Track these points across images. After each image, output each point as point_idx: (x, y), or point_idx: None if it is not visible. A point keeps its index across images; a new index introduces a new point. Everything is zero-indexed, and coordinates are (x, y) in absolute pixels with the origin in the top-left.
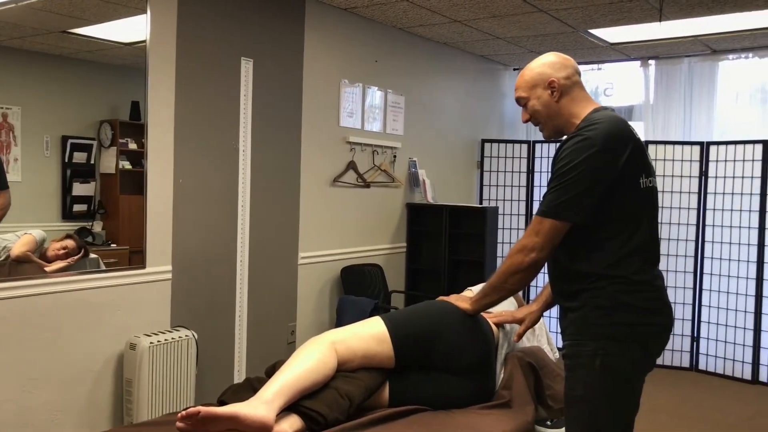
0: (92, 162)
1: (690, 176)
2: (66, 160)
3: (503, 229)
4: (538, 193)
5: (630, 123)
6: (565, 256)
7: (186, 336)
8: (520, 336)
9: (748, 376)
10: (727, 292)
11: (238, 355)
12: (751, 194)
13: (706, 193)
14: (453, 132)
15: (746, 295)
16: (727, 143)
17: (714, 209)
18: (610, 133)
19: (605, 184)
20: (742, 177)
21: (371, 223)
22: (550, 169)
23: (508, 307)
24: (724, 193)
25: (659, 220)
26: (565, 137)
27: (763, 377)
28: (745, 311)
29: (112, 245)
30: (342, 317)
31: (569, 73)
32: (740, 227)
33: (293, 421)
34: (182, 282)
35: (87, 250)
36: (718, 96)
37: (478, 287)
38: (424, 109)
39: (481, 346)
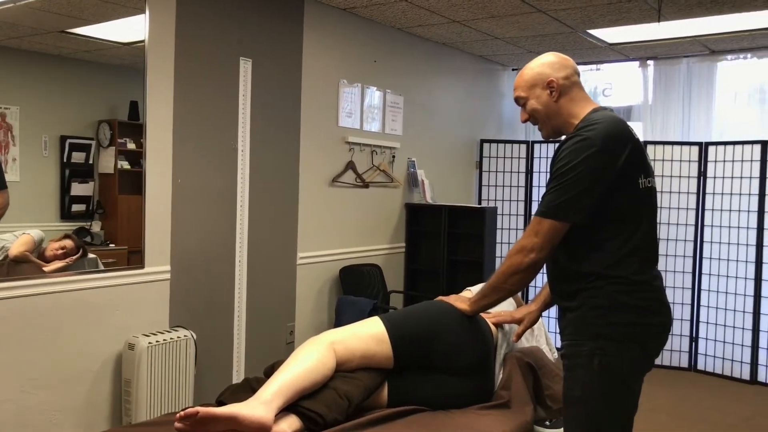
0: (91, 162)
1: (689, 176)
2: (64, 160)
3: (502, 229)
4: (537, 194)
5: (629, 123)
6: (564, 256)
7: (185, 336)
8: (519, 336)
9: (746, 376)
10: (726, 293)
11: (236, 355)
12: (749, 194)
13: (704, 194)
14: (452, 132)
15: (745, 295)
16: (725, 144)
17: (713, 209)
18: (609, 134)
19: (604, 185)
20: (741, 177)
21: (370, 224)
22: (549, 170)
23: (506, 307)
24: (722, 194)
25: (658, 221)
26: (564, 137)
27: (761, 377)
28: (744, 311)
29: (111, 245)
30: (341, 317)
31: (568, 73)
32: (739, 227)
33: (292, 422)
34: (181, 282)
35: (85, 250)
36: (716, 96)
37: (477, 287)
38: (423, 109)
39: (479, 346)
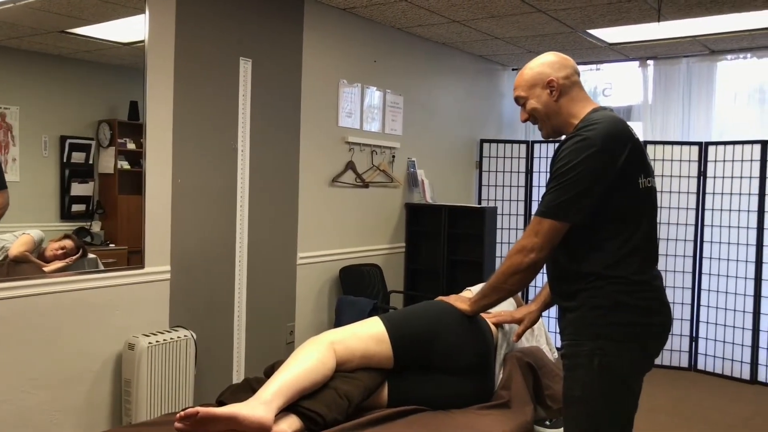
0: (91, 162)
1: (689, 176)
2: (64, 160)
3: (502, 229)
4: (537, 193)
5: (629, 123)
6: (564, 256)
7: (185, 336)
8: (519, 336)
9: (746, 375)
10: (726, 292)
11: (236, 355)
12: (749, 194)
13: (704, 193)
14: (452, 132)
15: (745, 295)
16: (725, 143)
17: (713, 209)
18: (609, 134)
19: (604, 185)
20: (741, 177)
21: (370, 224)
22: (549, 170)
23: (507, 307)
24: (722, 193)
25: (658, 220)
26: (563, 137)
27: (761, 377)
28: (744, 311)
29: (111, 245)
30: (341, 317)
31: (568, 73)
32: (739, 227)
33: (292, 422)
34: (181, 282)
35: (85, 250)
36: (716, 96)
37: (478, 287)
38: (423, 109)
39: (480, 346)
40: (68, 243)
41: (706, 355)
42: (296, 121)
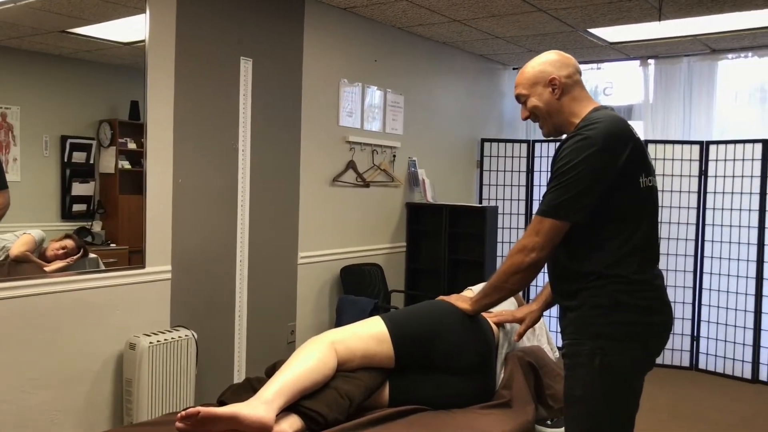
0: (91, 162)
1: (690, 175)
2: (65, 160)
3: (503, 228)
4: (538, 193)
5: (629, 122)
6: (565, 255)
7: (186, 336)
8: (521, 335)
9: (748, 375)
10: (727, 291)
11: (237, 354)
12: (750, 193)
13: (705, 192)
14: (452, 131)
15: (746, 294)
16: (726, 142)
17: (714, 208)
18: (610, 133)
19: (605, 184)
20: (742, 176)
21: (371, 223)
22: (549, 169)
23: (508, 306)
24: (723, 192)
25: (659, 220)
26: (564, 137)
27: (763, 376)
28: (745, 310)
29: (112, 245)
30: (342, 317)
31: (570, 72)
32: (740, 226)
33: (293, 421)
34: (182, 282)
35: (86, 249)
36: (717, 95)
37: (479, 287)
38: (424, 108)
39: (481, 345)
40: (69, 243)
41: (707, 354)
42: (297, 120)
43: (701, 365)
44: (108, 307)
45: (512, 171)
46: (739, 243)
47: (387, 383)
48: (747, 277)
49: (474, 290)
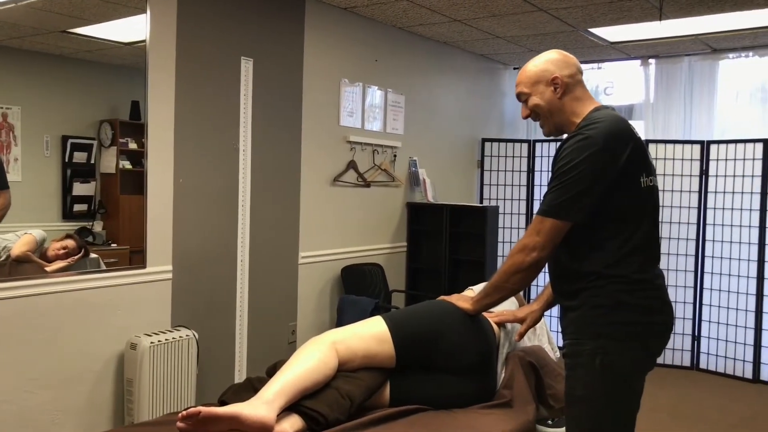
0: (92, 162)
1: (690, 175)
2: (66, 160)
3: (504, 228)
4: (539, 192)
5: (630, 122)
6: (566, 255)
7: (186, 336)
8: (521, 335)
9: (749, 374)
10: (728, 291)
11: (238, 354)
12: (751, 193)
13: (706, 192)
14: (453, 131)
15: (747, 294)
16: (727, 142)
17: (714, 208)
18: (611, 132)
19: (606, 184)
20: (743, 176)
21: (372, 223)
22: (550, 168)
23: (509, 306)
24: (724, 192)
25: (660, 219)
26: (565, 136)
27: (764, 376)
28: (746, 310)
29: (113, 245)
30: (343, 317)
31: (573, 72)
32: (741, 226)
33: (294, 421)
34: (183, 282)
35: (87, 249)
36: (718, 95)
37: (480, 287)
38: (425, 108)
39: (482, 345)
40: (70, 243)
41: (708, 354)
42: (297, 120)
43: (702, 365)
44: (109, 307)
45: (513, 171)
46: (740, 242)
47: (388, 383)
48: (748, 277)
49: (475, 290)
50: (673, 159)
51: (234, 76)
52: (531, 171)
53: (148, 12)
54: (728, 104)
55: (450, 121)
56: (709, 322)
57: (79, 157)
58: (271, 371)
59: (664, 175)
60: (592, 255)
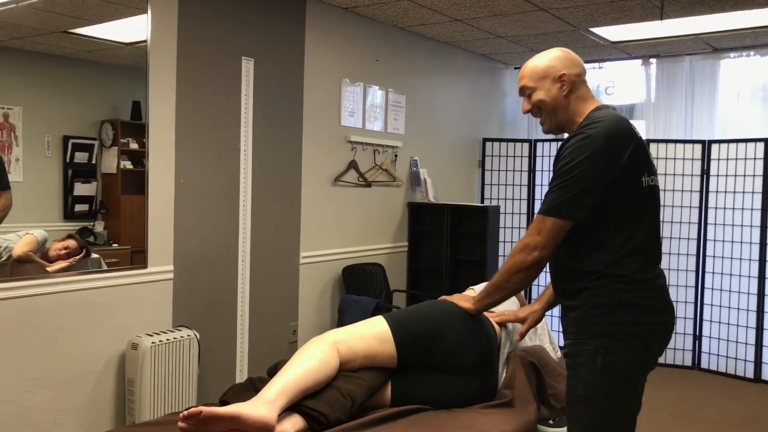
0: (93, 162)
1: (692, 175)
2: (67, 160)
3: (505, 228)
4: (540, 192)
5: (631, 122)
6: (567, 254)
7: (188, 336)
8: (522, 335)
9: (750, 374)
10: (729, 291)
11: (239, 354)
12: (753, 192)
13: (707, 192)
14: (454, 131)
15: (748, 293)
16: (728, 141)
17: (716, 207)
18: (612, 132)
19: (607, 183)
20: (744, 175)
21: (373, 223)
22: (551, 168)
23: (510, 306)
24: (726, 192)
25: (661, 219)
26: (566, 136)
27: (765, 376)
28: (748, 309)
29: (114, 245)
30: (344, 317)
31: (579, 71)
32: (742, 225)
33: (295, 421)
34: (184, 282)
35: (88, 250)
36: (719, 94)
37: (481, 286)
38: (425, 108)
39: (483, 345)
40: (71, 243)
41: (709, 353)
42: (298, 120)
43: (703, 365)
44: (110, 307)
45: (514, 170)
46: (741, 242)
47: (389, 383)
48: (749, 277)
49: (476, 290)
50: (674, 158)
51: (235, 76)
52: (532, 171)
53: (149, 12)
54: (729, 104)
55: (451, 120)
56: (711, 321)
57: (81, 157)
58: (273, 371)
59: (665, 174)
60: (593, 254)
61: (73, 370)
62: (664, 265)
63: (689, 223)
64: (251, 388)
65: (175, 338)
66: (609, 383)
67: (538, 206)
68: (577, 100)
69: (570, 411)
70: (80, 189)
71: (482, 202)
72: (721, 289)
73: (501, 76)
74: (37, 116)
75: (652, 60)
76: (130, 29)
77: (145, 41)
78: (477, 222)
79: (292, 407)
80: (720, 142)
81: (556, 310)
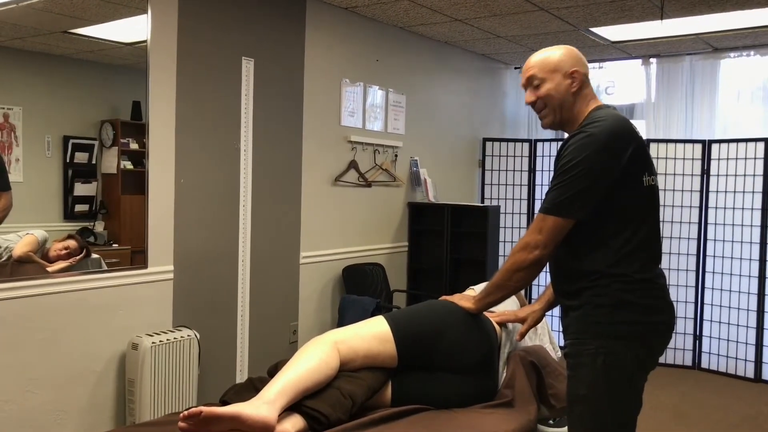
0: (94, 162)
1: (692, 174)
2: (67, 161)
3: (505, 227)
4: (540, 192)
5: (632, 121)
6: (567, 254)
7: (188, 336)
8: (523, 335)
9: (750, 374)
10: (730, 291)
11: (240, 354)
12: (753, 192)
13: (708, 192)
14: (454, 131)
15: (749, 293)
16: (728, 141)
17: (716, 207)
18: (614, 131)
19: (608, 182)
20: (744, 175)
21: (373, 223)
22: (552, 168)
23: (510, 306)
24: (726, 192)
25: (661, 219)
26: (567, 135)
27: (766, 375)
28: (748, 309)
29: (114, 245)
30: (344, 317)
31: (587, 71)
32: (742, 225)
33: (296, 421)
34: (184, 282)
35: (89, 250)
36: (719, 94)
37: (481, 286)
38: (426, 108)
39: (483, 345)
40: (72, 243)
41: (710, 353)
42: (299, 120)
43: (704, 364)
44: (110, 307)
45: (514, 170)
46: (741, 242)
47: (389, 383)
48: (750, 276)
49: (476, 290)
50: (675, 158)
51: (235, 76)
52: (532, 171)
53: (149, 12)
54: (729, 103)
55: (451, 120)
56: (711, 321)
57: (81, 157)
58: (273, 371)
59: (665, 174)
60: (594, 254)
61: (73, 370)
62: (664, 264)
63: (689, 222)
64: (251, 388)
65: (175, 338)
66: (610, 383)
67: (538, 206)
68: (581, 99)
69: (571, 411)
70: (80, 189)
71: (482, 202)
72: (721, 289)
73: (501, 76)
74: (37, 116)
75: (652, 60)
76: (130, 29)
77: (145, 41)
78: (477, 222)
79: (292, 407)
80: (720, 141)
81: (556, 310)
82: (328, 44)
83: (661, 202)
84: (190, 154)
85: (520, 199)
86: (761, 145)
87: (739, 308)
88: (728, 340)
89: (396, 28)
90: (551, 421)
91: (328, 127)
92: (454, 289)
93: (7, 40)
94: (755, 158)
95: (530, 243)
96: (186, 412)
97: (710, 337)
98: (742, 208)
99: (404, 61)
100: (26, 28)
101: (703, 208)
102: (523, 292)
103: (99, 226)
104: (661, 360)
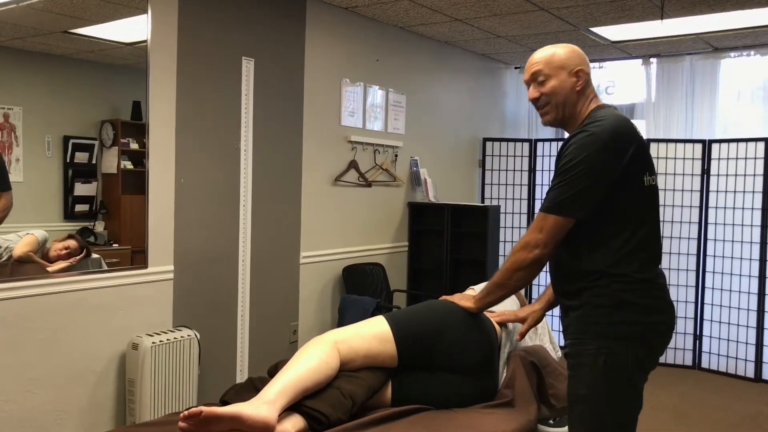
0: (94, 162)
1: (692, 174)
2: (68, 160)
3: (505, 227)
4: (540, 192)
5: (632, 121)
6: (567, 254)
7: (188, 336)
8: (523, 335)
9: (751, 374)
10: (730, 291)
11: (240, 354)
12: (753, 192)
13: (708, 191)
14: (454, 131)
15: (749, 293)
16: (729, 141)
17: (716, 207)
18: (615, 131)
19: (609, 182)
20: (744, 175)
21: (373, 223)
22: (552, 167)
23: (510, 306)
24: (726, 191)
25: (661, 219)
26: (568, 135)
27: (766, 375)
28: (748, 309)
29: (114, 245)
30: (344, 317)
31: (590, 71)
32: (742, 225)
33: (296, 421)
34: (184, 282)
35: (89, 250)
36: (719, 94)
37: (481, 286)
38: (426, 107)
39: (483, 345)
40: (72, 243)
41: (710, 353)
42: (299, 120)
43: (704, 364)
44: (110, 307)
45: (514, 170)
46: (741, 242)
47: (390, 383)
48: (750, 276)
49: (476, 289)
50: (675, 158)
51: (235, 76)
52: (532, 170)
53: (149, 12)
54: (729, 103)
55: (451, 120)
56: (711, 321)
57: (81, 157)
58: (273, 371)
59: (665, 174)
60: (594, 254)
61: (73, 370)
62: (664, 264)
63: (689, 222)
64: (251, 388)
65: (175, 338)
66: (610, 383)
67: (538, 206)
68: (584, 98)
69: (571, 411)
70: (80, 189)
71: (482, 201)
72: (721, 289)
73: (501, 75)
74: (38, 116)
75: (653, 59)
76: (130, 29)
77: (145, 41)
78: (477, 222)
79: (292, 407)
80: (720, 141)
81: (556, 310)
82: (328, 44)
83: (661, 202)
84: (190, 154)
85: (521, 199)
86: (761, 145)
87: (739, 308)
88: (728, 340)
89: (396, 27)
90: (551, 421)
91: (329, 127)
92: (454, 289)
93: (7, 40)
94: (755, 158)
95: (531, 242)
96: (186, 412)
97: (710, 336)
98: (743, 208)
99: (404, 61)
100: (26, 28)
101: (703, 207)
102: (523, 291)
103: (99, 226)
104: (661, 360)
